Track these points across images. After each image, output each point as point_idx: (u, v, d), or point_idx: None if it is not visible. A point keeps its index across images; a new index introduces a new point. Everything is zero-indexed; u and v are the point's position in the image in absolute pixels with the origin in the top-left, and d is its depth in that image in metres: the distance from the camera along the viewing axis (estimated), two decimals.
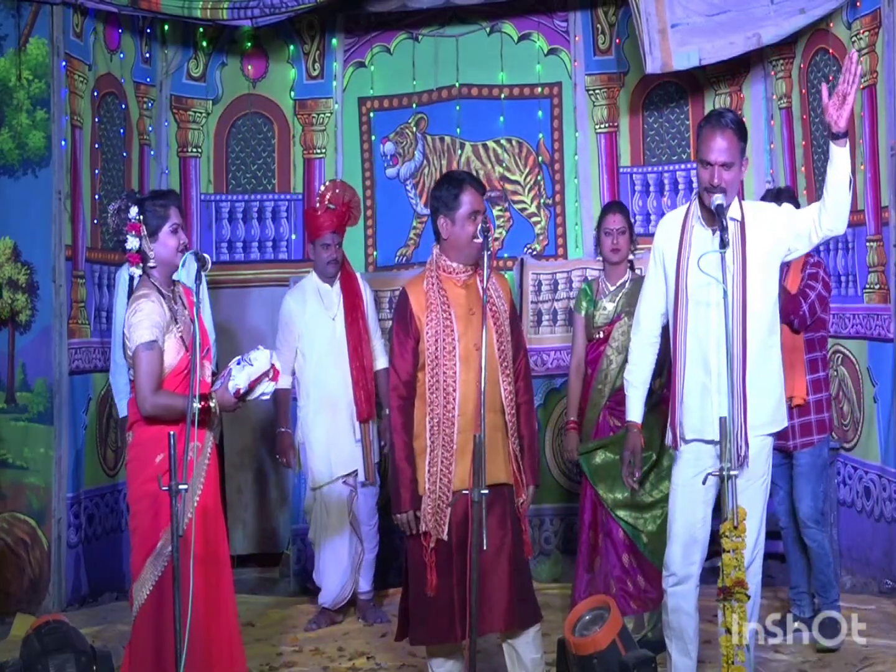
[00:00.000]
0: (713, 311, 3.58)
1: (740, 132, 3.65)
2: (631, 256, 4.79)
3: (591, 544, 4.66)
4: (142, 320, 3.51)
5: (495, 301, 3.77)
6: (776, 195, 4.68)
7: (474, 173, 6.18)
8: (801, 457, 4.65)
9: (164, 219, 3.60)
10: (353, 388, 5.09)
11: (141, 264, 3.60)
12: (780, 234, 3.65)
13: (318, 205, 5.20)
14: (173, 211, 3.63)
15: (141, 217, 3.57)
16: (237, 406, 3.62)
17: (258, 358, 3.56)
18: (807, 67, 5.88)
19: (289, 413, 5.28)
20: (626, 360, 4.59)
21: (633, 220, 4.85)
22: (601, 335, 4.74)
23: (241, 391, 3.56)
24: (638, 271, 5.05)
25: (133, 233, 3.57)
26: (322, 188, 5.32)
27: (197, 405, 3.39)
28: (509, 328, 3.80)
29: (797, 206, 4.62)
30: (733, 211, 3.62)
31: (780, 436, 4.48)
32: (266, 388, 3.62)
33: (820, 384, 4.67)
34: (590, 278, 5.90)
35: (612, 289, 4.75)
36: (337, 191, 5.20)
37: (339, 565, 5.14)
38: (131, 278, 3.68)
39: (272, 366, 3.60)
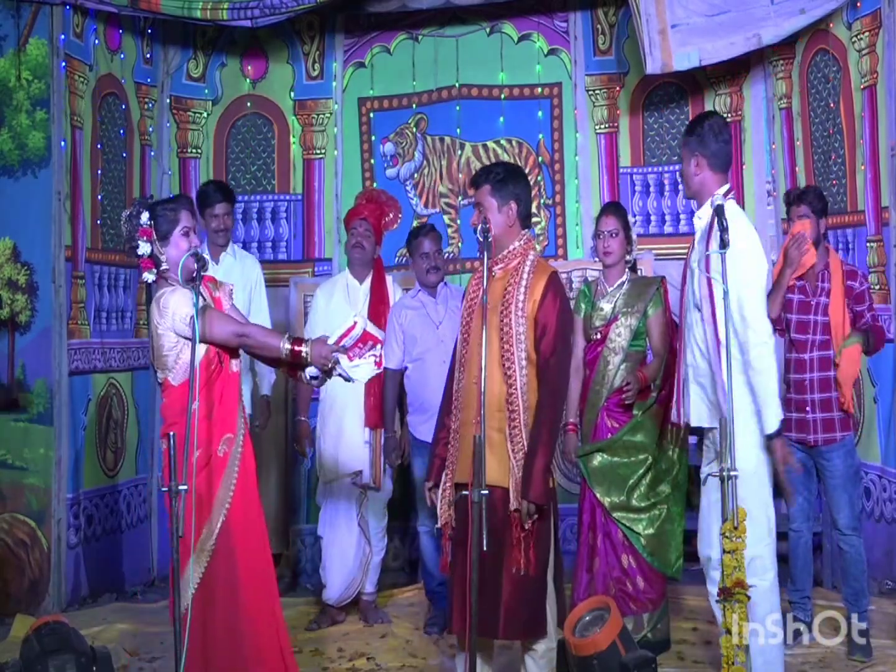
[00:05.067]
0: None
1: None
2: (629, 257, 4.75)
3: (591, 545, 4.64)
4: (177, 301, 3.50)
5: (514, 296, 3.66)
6: (800, 196, 4.64)
7: (473, 173, 6.23)
8: (834, 468, 4.60)
9: (175, 222, 3.58)
10: (364, 393, 5.06)
11: (154, 269, 3.59)
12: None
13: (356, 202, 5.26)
14: (184, 214, 3.61)
15: (151, 222, 3.55)
16: (329, 361, 3.52)
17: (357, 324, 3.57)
18: (807, 68, 5.88)
19: (308, 403, 5.28)
20: (623, 361, 4.61)
21: (632, 221, 4.80)
22: (598, 336, 4.71)
23: (339, 342, 3.52)
24: (639, 272, 5.02)
25: (144, 238, 3.56)
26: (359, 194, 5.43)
27: (287, 347, 3.49)
28: (528, 325, 3.65)
29: (825, 207, 4.62)
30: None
31: (799, 429, 4.58)
32: (365, 366, 3.56)
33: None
34: (590, 279, 5.88)
35: (609, 290, 4.73)
36: (374, 193, 5.27)
37: (345, 564, 5.13)
38: (148, 284, 3.68)
39: (378, 346, 3.58)
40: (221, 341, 3.56)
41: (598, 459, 4.62)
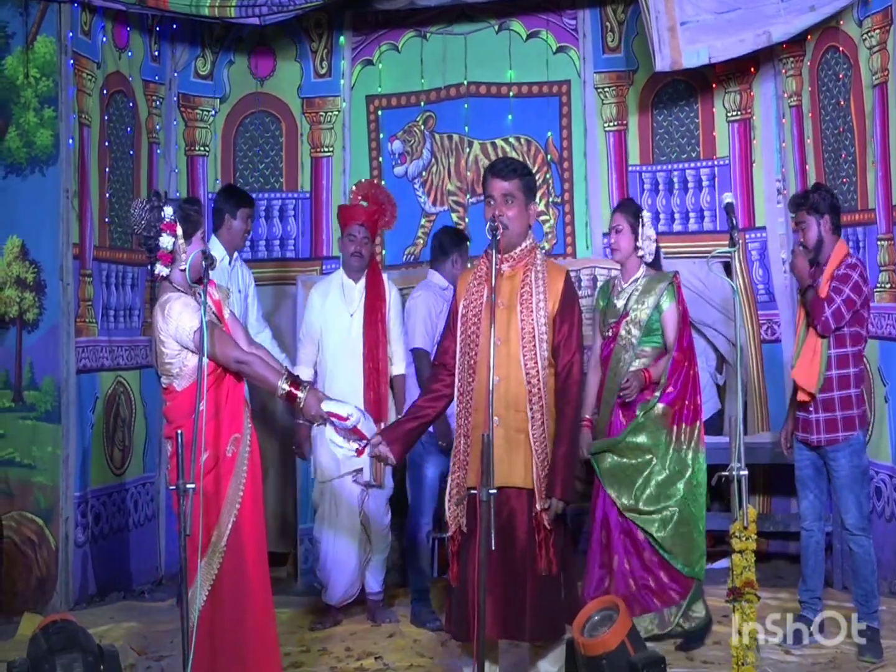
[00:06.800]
0: None
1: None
2: (640, 252, 4.67)
3: (603, 543, 4.61)
4: (181, 312, 3.50)
5: (532, 294, 3.62)
6: (798, 203, 4.57)
7: (481, 171, 6.16)
8: (839, 468, 4.55)
9: (198, 225, 3.61)
10: (363, 388, 5.02)
11: (171, 264, 3.57)
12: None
13: (350, 199, 5.15)
14: (203, 219, 3.67)
15: (175, 218, 3.55)
16: (316, 420, 3.65)
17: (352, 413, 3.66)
18: (817, 65, 5.85)
19: None
20: (636, 358, 4.58)
21: (646, 218, 4.72)
22: (610, 333, 4.68)
23: (331, 415, 3.60)
24: (667, 269, 4.89)
25: (168, 232, 3.54)
26: (355, 186, 5.26)
27: (284, 388, 3.52)
28: (549, 325, 3.61)
29: (831, 203, 4.52)
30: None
31: (803, 428, 4.59)
32: (347, 449, 3.66)
33: (848, 380, 4.54)
34: (598, 277, 5.82)
35: (624, 286, 4.70)
36: (373, 190, 5.18)
37: (347, 564, 5.08)
38: (152, 286, 3.69)
39: (363, 442, 3.66)
40: (220, 363, 3.57)
41: (608, 460, 4.59)
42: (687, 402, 4.54)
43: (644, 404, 4.55)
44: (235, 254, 5.39)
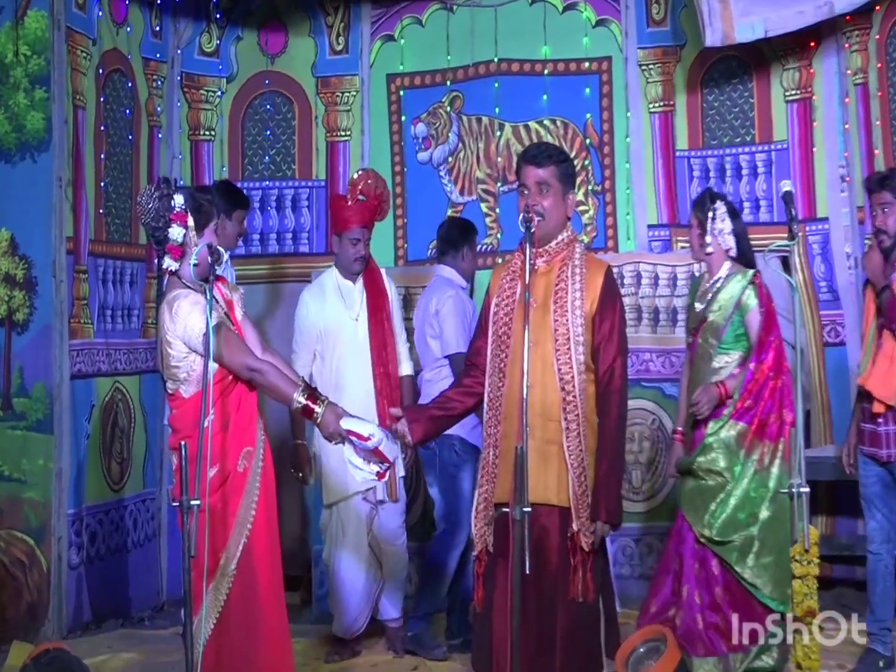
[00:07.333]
0: None
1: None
2: (710, 249, 4.33)
3: (675, 570, 4.32)
4: (191, 311, 3.40)
5: (567, 292, 3.51)
6: (881, 181, 4.31)
7: (513, 157, 6.17)
8: None
9: (211, 216, 3.54)
10: (375, 398, 4.81)
11: (180, 258, 3.47)
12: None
13: (348, 195, 4.96)
14: (215, 210, 3.59)
15: (186, 208, 3.46)
16: (334, 439, 3.53)
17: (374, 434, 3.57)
18: (885, 39, 5.63)
19: (304, 423, 5.00)
20: (720, 368, 4.28)
21: (709, 214, 4.41)
22: (691, 340, 4.44)
23: (350, 434, 3.49)
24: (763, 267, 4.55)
25: (178, 223, 3.45)
26: (354, 176, 5.07)
27: (300, 401, 3.42)
28: (586, 325, 3.50)
29: None
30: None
31: (872, 442, 4.42)
32: (367, 472, 3.54)
33: None
34: (642, 273, 5.65)
35: (706, 287, 4.42)
36: (370, 181, 4.95)
37: (354, 591, 4.84)
38: (159, 283, 3.45)
39: (385, 464, 3.58)
40: (231, 369, 3.46)
41: (689, 483, 4.33)
42: (772, 418, 4.24)
43: (715, 421, 4.27)
44: (227, 254, 5.12)
